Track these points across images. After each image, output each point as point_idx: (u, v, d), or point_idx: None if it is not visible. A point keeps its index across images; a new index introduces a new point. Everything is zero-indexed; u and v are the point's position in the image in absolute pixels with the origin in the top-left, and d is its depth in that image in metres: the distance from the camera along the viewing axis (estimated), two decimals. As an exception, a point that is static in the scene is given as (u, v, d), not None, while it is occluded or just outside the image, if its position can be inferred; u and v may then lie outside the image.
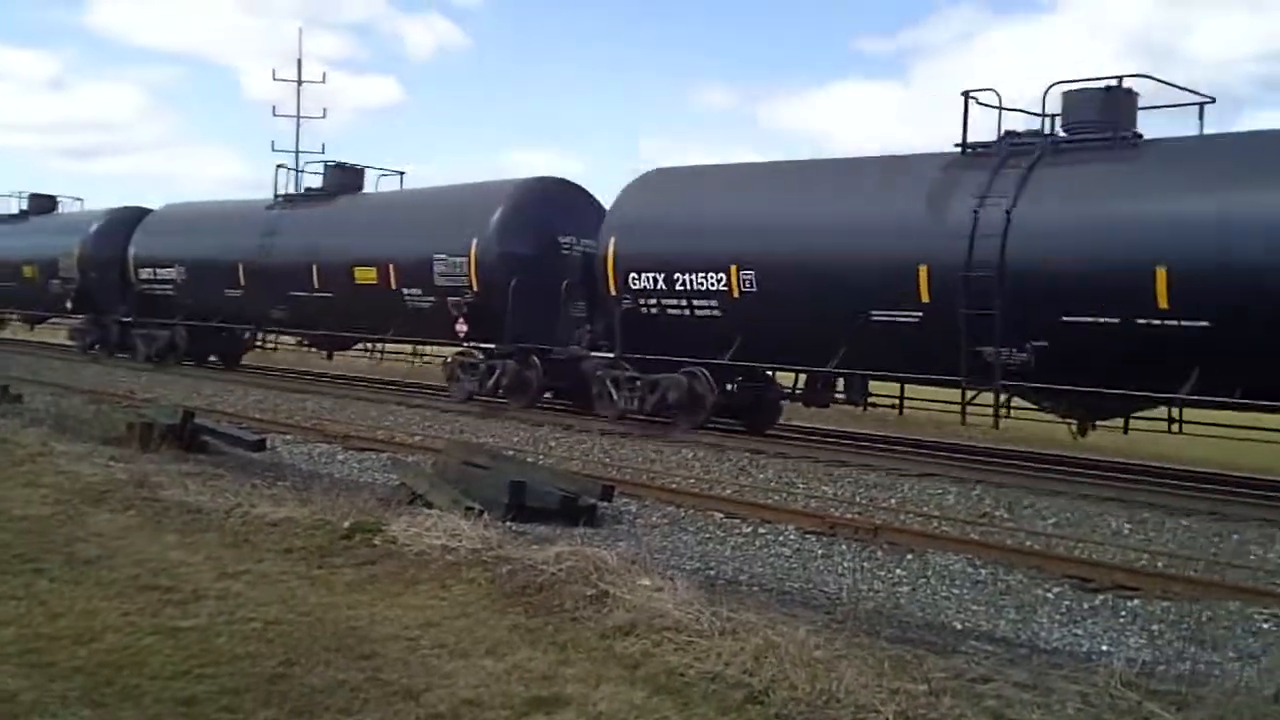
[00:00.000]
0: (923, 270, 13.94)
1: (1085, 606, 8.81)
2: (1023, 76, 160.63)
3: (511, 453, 14.17)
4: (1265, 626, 8.28)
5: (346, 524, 8.82)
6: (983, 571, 9.66)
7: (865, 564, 9.95)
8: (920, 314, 14.04)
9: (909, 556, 10.07)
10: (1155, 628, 8.33)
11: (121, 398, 20.20)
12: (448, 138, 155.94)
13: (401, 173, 25.75)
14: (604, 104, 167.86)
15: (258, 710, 5.07)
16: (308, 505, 9.66)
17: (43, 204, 35.27)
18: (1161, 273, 12.21)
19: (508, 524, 10.03)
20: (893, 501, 12.24)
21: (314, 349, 26.51)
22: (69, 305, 31.03)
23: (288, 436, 16.54)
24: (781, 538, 10.81)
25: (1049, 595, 9.06)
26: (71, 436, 13.60)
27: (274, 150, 55.38)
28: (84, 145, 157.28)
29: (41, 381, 22.77)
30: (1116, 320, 12.56)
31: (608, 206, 18.98)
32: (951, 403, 14.94)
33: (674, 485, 13.10)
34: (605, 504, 11.47)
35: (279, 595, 7.07)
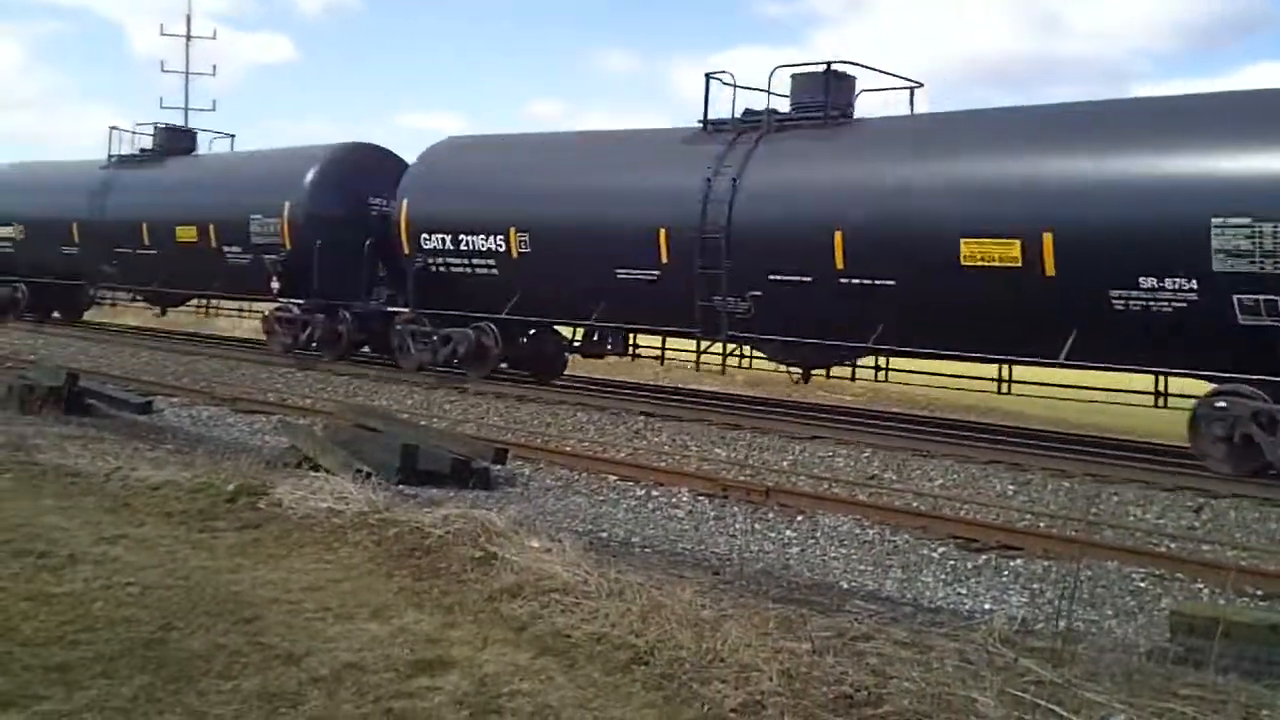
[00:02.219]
0: (663, 232, 15.66)
1: (969, 566, 9.00)
2: (912, 43, 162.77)
3: (405, 415, 14.02)
4: (1142, 585, 8.55)
5: (231, 487, 8.64)
6: (870, 532, 9.82)
7: (756, 525, 10.06)
8: (658, 272, 15.82)
9: (799, 518, 10.21)
10: (1036, 586, 8.56)
11: (3, 359, 19.57)
12: (340, 97, 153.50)
13: (232, 135, 27.54)
14: (497, 66, 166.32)
15: (134, 676, 4.95)
16: (191, 468, 9.46)
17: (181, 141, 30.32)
18: (839, 236, 13.93)
19: (398, 487, 9.93)
20: (784, 464, 12.37)
21: (146, 305, 28.35)
22: (275, 287, 26.87)
23: (175, 399, 16.18)
24: (675, 500, 10.88)
25: (934, 555, 9.25)
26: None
27: (162, 108, 53.41)
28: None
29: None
30: (810, 279, 14.31)
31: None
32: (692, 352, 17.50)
33: (568, 448, 13.09)
34: (499, 467, 11.42)
35: (158, 559, 6.91)
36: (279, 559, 7.10)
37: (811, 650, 5.53)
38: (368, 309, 20.40)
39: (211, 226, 22.72)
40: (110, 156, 26.72)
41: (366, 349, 21.56)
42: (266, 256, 21.35)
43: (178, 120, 34.72)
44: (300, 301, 21.22)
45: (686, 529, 9.97)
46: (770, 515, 10.31)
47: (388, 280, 20.59)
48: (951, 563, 9.08)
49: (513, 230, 17.56)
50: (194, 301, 26.98)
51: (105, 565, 6.67)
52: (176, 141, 26.89)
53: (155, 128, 27.22)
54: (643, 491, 11.19)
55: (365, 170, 21.39)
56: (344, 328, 20.58)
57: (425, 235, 18.74)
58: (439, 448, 11.28)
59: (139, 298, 27.92)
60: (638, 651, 5.53)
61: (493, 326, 18.17)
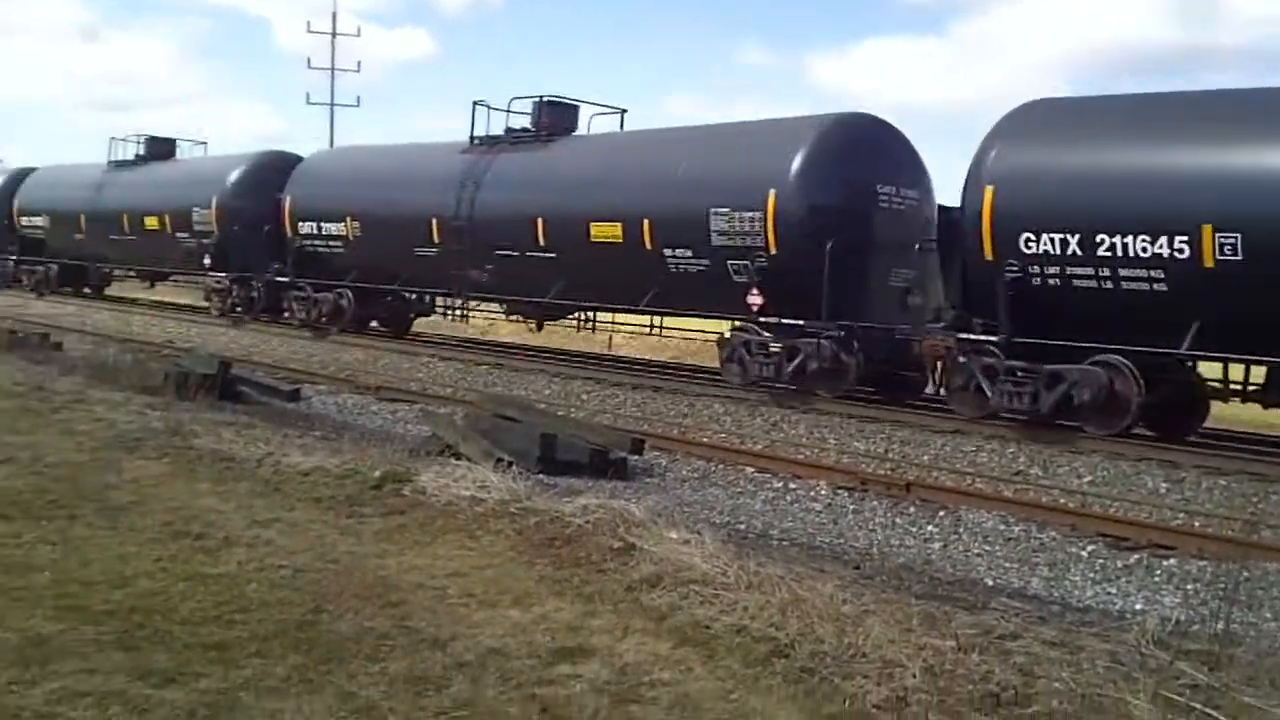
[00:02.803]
0: (435, 221, 21.51)
1: (1119, 565, 8.73)
2: (1056, 33, 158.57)
3: (543, 406, 14.17)
4: (1303, 588, 8.18)
5: (377, 474, 8.84)
6: (1016, 529, 9.59)
7: (897, 520, 9.90)
8: (436, 249, 21.57)
9: (941, 513, 10.02)
10: (1190, 587, 8.25)
11: (160, 346, 20.37)
12: (480, 92, 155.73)
13: (204, 143, 33.75)
14: (636, 60, 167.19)
15: (287, 656, 5.09)
16: (338, 455, 9.71)
17: (162, 148, 33.28)
18: (540, 222, 19.40)
19: (537, 476, 10.04)
20: (925, 458, 12.16)
21: (139, 279, 35.07)
22: (206, 263, 27.99)
23: (321, 387, 16.62)
24: (813, 493, 10.78)
25: (1082, 553, 8.99)
26: (109, 385, 13.67)
27: (309, 103, 55.48)
28: (115, 98, 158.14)
29: (84, 330, 22.98)
30: (517, 253, 19.90)
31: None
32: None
33: (705, 440, 13.07)
34: (636, 458, 11.46)
35: (308, 543, 7.10)
36: (423, 545, 7.24)
37: (956, 647, 5.44)
38: (264, 279, 25.94)
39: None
40: (473, 138, 21.94)
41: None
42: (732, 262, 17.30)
43: (323, 115, 40.33)
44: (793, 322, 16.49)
45: (825, 522, 9.87)
46: (911, 510, 10.15)
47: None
48: (1101, 561, 8.81)
49: (348, 219, 23.83)
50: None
51: (258, 548, 6.89)
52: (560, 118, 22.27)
53: (534, 104, 21.72)
54: (780, 484, 11.11)
55: (275, 170, 26.63)
56: (255, 294, 26.38)
57: (301, 222, 24.81)
58: (577, 437, 11.36)
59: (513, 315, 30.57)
60: (778, 644, 5.50)
61: (347, 290, 24.13)
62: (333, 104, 53.82)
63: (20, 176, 37.60)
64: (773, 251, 15.93)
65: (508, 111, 21.75)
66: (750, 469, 11.65)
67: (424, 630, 5.55)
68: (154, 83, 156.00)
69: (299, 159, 27.35)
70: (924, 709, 4.87)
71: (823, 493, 10.75)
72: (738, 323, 16.86)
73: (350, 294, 24.12)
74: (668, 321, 20.82)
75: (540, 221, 19.32)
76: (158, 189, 30.26)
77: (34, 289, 34.94)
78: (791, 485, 11.04)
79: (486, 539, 7.37)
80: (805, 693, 5.05)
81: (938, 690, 5.02)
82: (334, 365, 18.92)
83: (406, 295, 24.49)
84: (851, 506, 10.33)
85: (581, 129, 21.73)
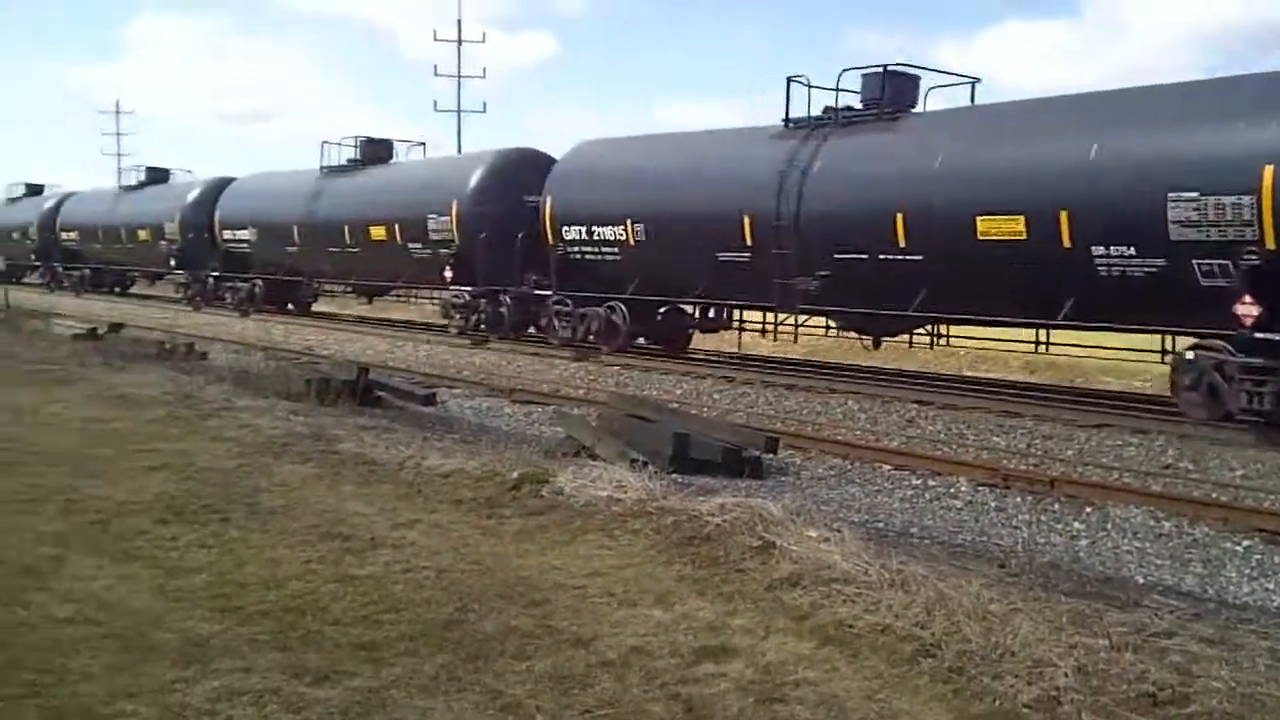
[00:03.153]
0: (747, 219, 17.92)
1: (1277, 560, 8.40)
2: (1185, 7, 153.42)
3: (675, 405, 14.19)
4: None
5: (514, 475, 8.95)
6: (1166, 524, 9.28)
7: (1041, 517, 9.66)
8: (749, 254, 18.01)
9: (1087, 509, 9.74)
10: (1354, 583, 7.90)
11: (299, 354, 20.95)
12: (603, 91, 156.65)
13: (422, 144, 31.15)
14: (760, 52, 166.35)
15: (434, 655, 5.18)
16: (477, 457, 9.85)
17: (157, 176, 40.87)
18: (900, 218, 15.68)
19: (672, 476, 10.05)
20: (1069, 453, 11.85)
21: (355, 295, 33.09)
22: (173, 263, 36.44)
23: (456, 390, 16.89)
24: (952, 490, 10.59)
25: (1238, 549, 8.66)
26: (253, 392, 14.11)
27: (436, 110, 56.43)
28: (244, 110, 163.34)
29: (219, 339, 23.77)
30: (865, 256, 16.24)
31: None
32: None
33: (839, 437, 12.94)
34: (770, 456, 11.40)
35: (451, 544, 7.22)
36: (563, 545, 7.30)
37: (1109, 646, 5.29)
38: (519, 291, 23.28)
39: (397, 226, 26.18)
40: (323, 167, 31.17)
41: (531, 330, 23.91)
42: (441, 250, 24.66)
43: (450, 121, 41.59)
44: (468, 288, 24.18)
45: (966, 520, 9.68)
46: (1056, 506, 9.89)
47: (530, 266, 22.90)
48: (1257, 557, 8.48)
49: (629, 221, 20.43)
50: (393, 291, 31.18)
51: (403, 549, 7.03)
52: (377, 151, 30.18)
53: (357, 140, 30.66)
54: (919, 481, 10.93)
55: (525, 169, 23.89)
56: (504, 309, 23.62)
57: (566, 227, 21.68)
58: (710, 437, 11.35)
59: (349, 290, 33.37)
60: (924, 644, 5.41)
61: (620, 305, 20.72)
62: (459, 110, 54.69)
63: (219, 187, 35.06)
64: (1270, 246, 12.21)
65: (836, 90, 18.11)
66: (887, 466, 11.49)
67: (566, 629, 5.60)
68: (284, 94, 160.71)
69: (550, 158, 23.71)
70: (1077, 709, 4.75)
71: (963, 490, 10.55)
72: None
73: (624, 308, 20.72)
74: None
75: (900, 218, 15.74)
76: (383, 195, 27.52)
77: (237, 308, 32.61)
78: (930, 483, 10.86)
79: (625, 538, 7.40)
80: (953, 692, 4.96)
81: (1091, 690, 4.89)
82: (469, 369, 19.21)
83: (683, 308, 21.74)
84: (993, 503, 10.12)
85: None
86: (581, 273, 21.44)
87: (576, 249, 21.50)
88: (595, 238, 21.02)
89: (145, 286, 43.38)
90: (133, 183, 42.05)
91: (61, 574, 6.26)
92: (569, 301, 21.65)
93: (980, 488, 10.56)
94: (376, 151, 30.38)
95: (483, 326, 24.02)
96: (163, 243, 36.53)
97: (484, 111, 51.36)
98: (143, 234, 37.89)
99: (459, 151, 46.81)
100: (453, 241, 24.53)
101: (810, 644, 5.48)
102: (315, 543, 7.11)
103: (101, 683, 4.70)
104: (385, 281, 29.17)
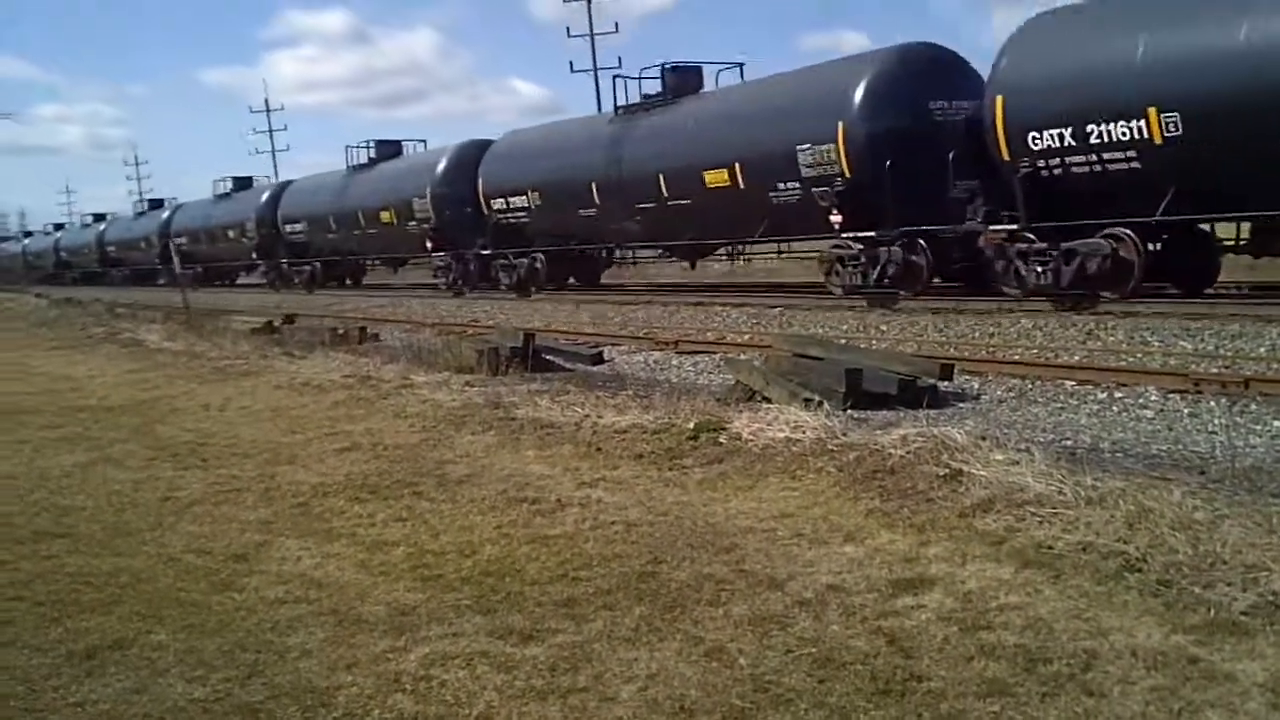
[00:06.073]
0: (594, 184, 26.26)
1: None
2: None
3: (842, 340, 14.03)
4: None
5: (690, 425, 8.97)
6: (1376, 415, 8.81)
7: (1238, 419, 9.25)
8: (595, 209, 26.10)
9: (1288, 407, 9.31)
10: None
11: (466, 326, 21.39)
12: (727, 33, 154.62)
13: (741, 64, 25.71)
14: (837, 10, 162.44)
15: (633, 607, 5.25)
16: (651, 411, 9.90)
17: (389, 150, 39.16)
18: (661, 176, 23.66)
19: (847, 412, 9.95)
20: (1262, 350, 11.32)
21: (675, 259, 29.39)
22: (428, 245, 33.40)
23: (620, 348, 17.02)
24: (1141, 400, 10.23)
25: None
26: (428, 368, 14.44)
27: (572, 71, 56.61)
28: (388, 93, 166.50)
29: (388, 320, 24.43)
30: (654, 205, 24.41)
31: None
32: None
33: (1016, 357, 12.61)
34: (945, 383, 11.18)
35: (636, 499, 7.29)
36: (747, 490, 7.31)
37: (1329, 545, 5.05)
38: (474, 254, 26.14)
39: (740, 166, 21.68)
40: (617, 108, 26.75)
41: (937, 280, 19.78)
42: (816, 189, 19.83)
43: (587, 81, 40.97)
44: (869, 234, 19.26)
45: (1159, 429, 9.34)
46: (1253, 407, 9.46)
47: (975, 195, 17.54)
48: None
49: (530, 190, 28.05)
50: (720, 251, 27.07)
51: (590, 507, 7.12)
52: (684, 81, 25.45)
53: (661, 69, 25.70)
54: (1104, 394, 10.59)
55: (924, 74, 19.19)
56: (922, 258, 18.70)
57: (494, 199, 28.43)
58: (882, 369, 11.19)
59: (666, 254, 28.91)
60: (1128, 559, 5.26)
61: (1130, 233, 15.46)
62: (595, 69, 54.70)
63: (280, 189, 44.16)
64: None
65: (659, 79, 25.56)
66: (1070, 383, 11.16)
67: (760, 572, 5.61)
68: (423, 74, 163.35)
69: (949, 51, 19.90)
70: (1300, 613, 4.55)
71: (1153, 399, 10.19)
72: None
73: (542, 257, 28.20)
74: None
75: (661, 176, 23.62)
76: (386, 185, 34.99)
77: (304, 286, 41.28)
78: (1117, 395, 10.51)
79: (808, 478, 7.36)
80: (1164, 605, 4.81)
81: (1313, 592, 4.68)
82: (630, 325, 19.33)
83: (586, 251, 28.68)
84: (1186, 410, 9.74)
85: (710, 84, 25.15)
86: (510, 233, 29.50)
87: (503, 215, 29.59)
88: (512, 205, 28.89)
89: (383, 275, 43.42)
90: (363, 161, 38.59)
91: (269, 557, 6.52)
92: (508, 256, 29.27)
93: (1170, 395, 10.19)
94: (387, 150, 34.02)
95: (459, 281, 31.44)
96: (411, 223, 33.57)
97: (619, 67, 50.94)
98: (385, 215, 35.18)
99: (599, 110, 40.35)
100: (430, 218, 31.17)
101: (1009, 568, 5.37)
102: (504, 508, 7.26)
103: (319, 657, 4.90)
104: (398, 254, 36.54)
